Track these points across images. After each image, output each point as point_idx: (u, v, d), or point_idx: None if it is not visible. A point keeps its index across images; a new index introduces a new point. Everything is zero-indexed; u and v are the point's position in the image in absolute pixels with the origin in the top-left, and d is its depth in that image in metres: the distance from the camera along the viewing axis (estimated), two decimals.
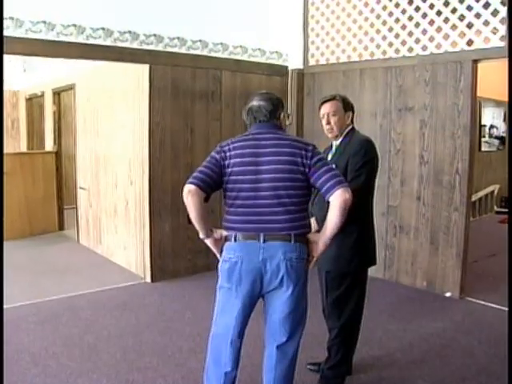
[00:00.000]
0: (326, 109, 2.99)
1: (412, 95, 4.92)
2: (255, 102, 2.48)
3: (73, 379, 3.15)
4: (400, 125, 5.03)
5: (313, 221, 2.78)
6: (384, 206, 5.14)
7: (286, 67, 5.96)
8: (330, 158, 2.99)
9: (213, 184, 2.38)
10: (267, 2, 5.68)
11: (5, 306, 3.63)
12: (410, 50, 4.91)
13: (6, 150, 7.39)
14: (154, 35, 4.94)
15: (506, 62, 4.16)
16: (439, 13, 4.63)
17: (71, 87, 6.72)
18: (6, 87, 7.51)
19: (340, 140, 3.00)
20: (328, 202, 2.31)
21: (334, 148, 3.04)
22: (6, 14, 4.03)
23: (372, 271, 3.23)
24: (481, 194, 8.89)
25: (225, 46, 5.49)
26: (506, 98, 8.80)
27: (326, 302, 3.06)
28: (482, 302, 4.59)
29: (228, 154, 2.39)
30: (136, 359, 3.43)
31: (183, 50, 5.16)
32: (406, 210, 5.03)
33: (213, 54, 5.39)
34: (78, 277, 5.30)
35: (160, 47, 4.99)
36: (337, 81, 5.53)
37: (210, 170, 2.39)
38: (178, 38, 5.11)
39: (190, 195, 2.32)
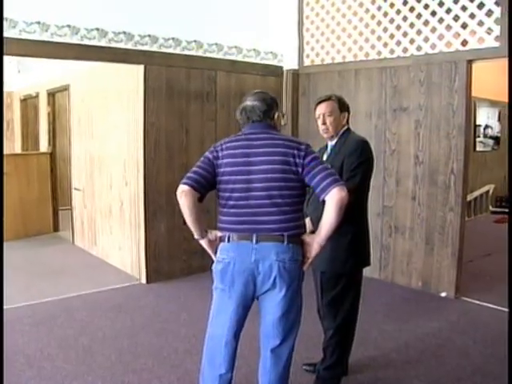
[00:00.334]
0: (321, 109, 2.99)
1: (407, 95, 4.93)
2: (249, 102, 2.47)
3: (68, 381, 3.13)
4: (395, 125, 5.03)
5: (307, 221, 2.77)
6: (379, 207, 5.14)
7: (281, 67, 5.96)
8: (325, 158, 2.99)
9: (206, 184, 2.37)
10: (262, 3, 5.68)
11: None
12: (405, 50, 4.92)
13: None
14: (149, 36, 4.93)
15: (500, 61, 4.18)
16: (434, 13, 4.64)
17: (66, 88, 6.70)
18: None
19: (335, 140, 3.00)
20: (323, 202, 2.28)
21: (329, 148, 3.04)
22: None
23: (367, 271, 3.23)
24: (476, 193, 8.91)
25: (220, 47, 5.48)
26: (500, 98, 8.92)
27: (321, 303, 3.06)
28: (478, 302, 4.60)
29: (220, 153, 2.38)
30: (131, 361, 3.42)
31: (178, 51, 5.15)
32: (402, 210, 5.04)
33: (208, 55, 5.39)
34: (73, 278, 5.29)
35: (155, 48, 4.98)
36: (332, 81, 5.54)
37: (203, 170, 2.38)
38: (173, 38, 5.10)
39: (183, 195, 2.31)
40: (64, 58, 4.71)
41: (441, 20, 4.61)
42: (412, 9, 4.81)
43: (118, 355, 3.50)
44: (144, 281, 5.14)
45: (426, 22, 4.71)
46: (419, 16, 4.76)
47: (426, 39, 4.74)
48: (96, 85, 5.92)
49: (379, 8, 5.07)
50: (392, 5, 4.95)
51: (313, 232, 2.54)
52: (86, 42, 4.56)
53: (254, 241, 2.33)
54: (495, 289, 4.89)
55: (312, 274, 3.02)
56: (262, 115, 2.44)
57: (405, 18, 4.87)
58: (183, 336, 3.83)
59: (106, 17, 4.64)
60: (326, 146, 3.08)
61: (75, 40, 4.51)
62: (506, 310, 4.25)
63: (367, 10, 5.18)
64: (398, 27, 4.93)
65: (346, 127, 3.02)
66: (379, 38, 5.11)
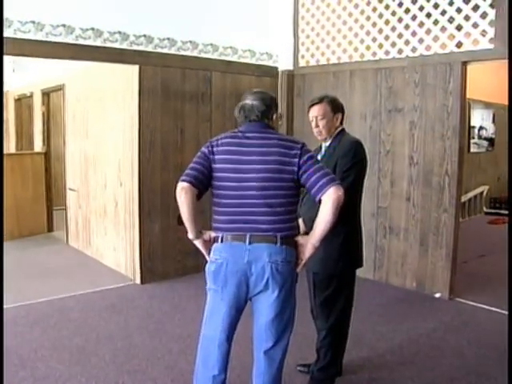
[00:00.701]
0: (313, 112, 2.99)
1: (402, 97, 4.94)
2: (248, 101, 2.45)
3: (61, 382, 3.13)
4: (390, 126, 5.04)
5: (300, 222, 2.76)
6: (374, 207, 5.15)
7: (276, 68, 5.97)
8: (319, 158, 2.98)
9: (205, 180, 2.36)
10: (258, 4, 5.68)
11: None
12: (400, 51, 4.93)
13: None
14: (144, 36, 4.92)
15: (494, 63, 4.19)
16: (429, 15, 4.66)
17: (60, 88, 6.68)
18: None
19: (329, 142, 3.00)
20: (319, 202, 2.27)
21: (323, 149, 3.04)
22: None
23: (362, 272, 3.23)
24: (470, 194, 8.95)
25: (215, 47, 5.48)
26: (494, 100, 8.96)
27: (314, 303, 3.07)
28: (472, 303, 4.61)
29: (215, 149, 2.38)
30: (125, 361, 3.41)
31: (173, 51, 5.15)
32: (396, 211, 5.04)
33: (203, 55, 5.38)
34: (67, 278, 5.27)
35: (150, 48, 4.97)
36: (327, 82, 5.54)
37: (200, 165, 2.37)
38: (168, 38, 5.10)
39: (183, 193, 2.29)
40: (59, 57, 4.69)
41: (436, 22, 4.62)
42: (407, 10, 4.82)
43: (112, 356, 3.49)
44: (138, 281, 5.13)
45: (421, 24, 4.73)
46: (414, 17, 4.77)
47: (421, 41, 4.75)
48: (91, 85, 5.90)
49: (374, 9, 5.08)
50: (387, 6, 4.96)
51: (306, 233, 2.53)
52: (81, 41, 4.55)
53: (247, 242, 2.32)
54: (489, 290, 4.91)
55: (305, 274, 3.02)
56: (260, 115, 2.42)
57: (400, 20, 4.88)
58: (177, 336, 3.83)
59: (101, 17, 4.62)
60: (321, 147, 3.08)
61: (70, 40, 4.49)
62: (500, 310, 4.29)
63: (362, 11, 5.19)
64: (393, 28, 4.94)
65: (340, 128, 3.02)
66: (374, 39, 5.12)
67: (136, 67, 4.89)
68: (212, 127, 5.44)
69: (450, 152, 4.62)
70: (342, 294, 2.98)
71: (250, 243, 2.32)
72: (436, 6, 4.60)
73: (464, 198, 8.25)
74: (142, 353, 3.55)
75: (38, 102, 7.57)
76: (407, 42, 4.86)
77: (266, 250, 2.31)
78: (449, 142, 4.61)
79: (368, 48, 5.18)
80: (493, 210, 9.37)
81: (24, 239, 6.91)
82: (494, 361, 3.43)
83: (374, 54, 5.14)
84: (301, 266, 2.42)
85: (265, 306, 2.38)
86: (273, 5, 5.83)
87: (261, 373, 2.45)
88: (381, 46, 5.07)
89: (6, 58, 6.99)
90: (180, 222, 2.40)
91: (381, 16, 5.03)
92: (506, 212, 8.88)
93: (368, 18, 5.15)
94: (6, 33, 4.15)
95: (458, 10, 4.46)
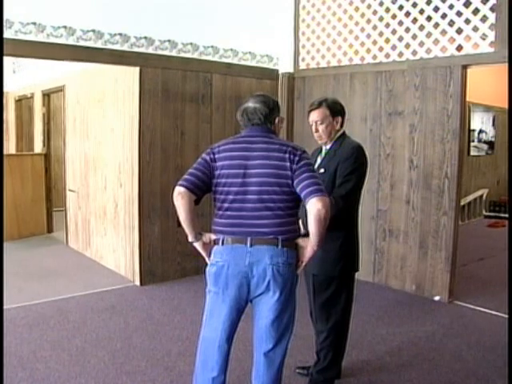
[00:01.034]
0: (313, 117, 2.99)
1: (402, 100, 4.94)
2: (251, 104, 2.46)
3: (61, 383, 3.12)
4: (390, 129, 5.05)
5: (301, 223, 2.76)
6: (373, 210, 5.15)
7: (277, 71, 5.97)
8: (319, 160, 3.00)
9: (203, 186, 2.37)
10: (258, 6, 5.69)
11: None
12: (400, 54, 4.94)
13: None
14: (145, 38, 4.93)
15: (495, 67, 4.19)
16: (429, 18, 4.67)
17: (61, 89, 6.69)
18: None
19: (330, 145, 3.00)
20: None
21: (323, 152, 3.04)
22: None
23: (361, 275, 3.24)
24: (470, 198, 8.95)
25: (215, 49, 5.49)
26: (495, 103, 8.98)
27: (313, 306, 3.07)
28: (471, 306, 4.61)
29: (217, 155, 2.38)
30: (124, 363, 3.41)
31: (174, 53, 5.16)
32: (396, 213, 5.05)
33: (203, 57, 5.39)
34: (66, 280, 5.27)
35: (151, 50, 4.98)
36: (327, 85, 5.55)
37: (200, 171, 2.38)
38: (169, 40, 5.11)
39: (179, 197, 2.31)
40: (59, 59, 4.71)
41: (436, 25, 4.63)
42: (407, 13, 4.83)
43: (111, 357, 3.49)
44: (138, 283, 5.13)
45: (422, 27, 4.74)
46: (415, 21, 4.78)
47: (422, 44, 4.76)
48: (91, 86, 5.91)
49: (375, 12, 5.09)
50: (387, 9, 4.97)
51: (305, 234, 2.54)
52: (81, 43, 4.56)
53: (249, 244, 2.33)
54: (488, 293, 4.91)
55: (305, 276, 3.03)
56: (262, 119, 2.43)
57: (400, 23, 4.89)
58: (177, 338, 3.82)
59: (102, 18, 4.64)
60: (321, 149, 3.08)
61: (71, 41, 4.51)
62: (499, 313, 4.29)
63: (363, 15, 5.20)
64: (394, 32, 4.95)
65: (341, 131, 3.01)
66: (375, 42, 5.13)
67: (137, 69, 4.89)
68: (212, 129, 5.44)
69: (449, 155, 4.62)
70: (342, 296, 2.98)
71: (251, 245, 2.33)
72: (436, 9, 4.61)
73: (463, 201, 8.27)
74: (141, 354, 3.55)
75: (38, 103, 7.58)
76: (408, 45, 4.87)
77: (268, 252, 2.32)
78: (449, 146, 4.62)
79: (368, 51, 5.19)
80: (492, 214, 9.38)
81: (24, 240, 6.91)
82: (494, 364, 3.44)
83: (375, 56, 5.14)
84: (300, 267, 2.44)
85: (265, 308, 2.39)
86: (273, 7, 5.84)
87: (260, 374, 2.45)
88: (381, 49, 5.08)
89: (7, 59, 7.04)
90: (179, 224, 2.42)
91: (381, 19, 5.04)
92: (506, 215, 8.89)
93: (368, 21, 5.16)
94: (7, 34, 4.16)
95: (459, 14, 4.47)
